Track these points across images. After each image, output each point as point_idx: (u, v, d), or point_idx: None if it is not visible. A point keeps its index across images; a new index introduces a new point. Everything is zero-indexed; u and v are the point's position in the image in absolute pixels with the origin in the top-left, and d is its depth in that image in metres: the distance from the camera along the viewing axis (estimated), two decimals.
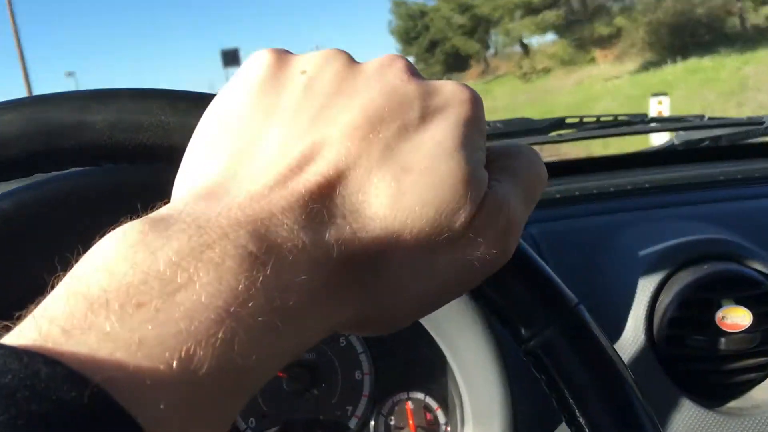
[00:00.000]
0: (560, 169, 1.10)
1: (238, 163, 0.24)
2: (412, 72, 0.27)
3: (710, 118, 1.21)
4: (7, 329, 0.18)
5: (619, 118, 1.15)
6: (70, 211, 0.53)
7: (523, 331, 0.29)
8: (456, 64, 26.15)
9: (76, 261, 0.20)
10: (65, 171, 0.50)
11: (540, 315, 0.29)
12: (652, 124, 1.16)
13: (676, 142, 1.21)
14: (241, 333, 0.19)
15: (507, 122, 1.05)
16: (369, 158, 0.24)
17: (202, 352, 0.18)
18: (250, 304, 0.19)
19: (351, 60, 0.27)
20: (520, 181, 0.27)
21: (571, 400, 0.28)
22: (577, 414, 0.28)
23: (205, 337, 0.18)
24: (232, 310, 0.19)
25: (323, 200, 0.23)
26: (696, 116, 1.20)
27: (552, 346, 0.28)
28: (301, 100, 0.25)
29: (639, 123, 1.13)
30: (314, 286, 0.21)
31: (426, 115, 0.25)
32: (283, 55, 0.27)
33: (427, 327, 0.72)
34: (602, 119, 1.13)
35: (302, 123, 0.25)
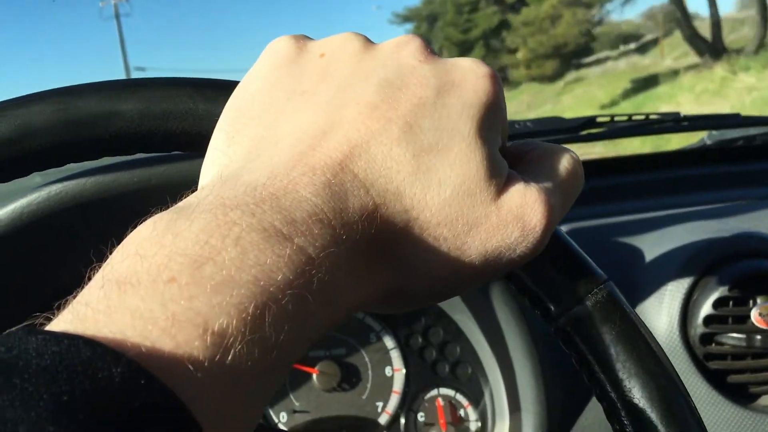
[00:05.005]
0: (590, 167, 1.09)
1: (261, 146, 0.25)
2: (428, 51, 0.27)
3: (745, 117, 1.18)
4: (49, 320, 0.19)
5: (651, 116, 1.14)
6: (103, 207, 0.54)
7: (552, 308, 0.29)
8: None
9: (111, 253, 0.20)
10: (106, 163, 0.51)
11: (569, 292, 0.29)
12: (685, 123, 1.14)
13: (709, 141, 1.20)
14: (271, 306, 0.19)
15: (537, 121, 1.04)
16: (389, 135, 0.24)
17: (234, 326, 0.18)
18: (278, 278, 0.20)
19: (367, 42, 0.28)
20: (559, 181, 0.27)
21: (602, 375, 0.28)
22: (608, 389, 0.28)
23: (237, 311, 0.18)
24: (261, 284, 0.19)
25: (343, 174, 0.23)
26: (731, 115, 1.18)
27: (582, 322, 0.28)
28: (319, 83, 0.26)
29: (671, 121, 1.12)
30: (341, 260, 0.22)
31: (442, 91, 0.25)
32: (301, 40, 0.28)
33: (458, 321, 0.72)
34: (634, 118, 1.12)
35: (321, 104, 0.25)
